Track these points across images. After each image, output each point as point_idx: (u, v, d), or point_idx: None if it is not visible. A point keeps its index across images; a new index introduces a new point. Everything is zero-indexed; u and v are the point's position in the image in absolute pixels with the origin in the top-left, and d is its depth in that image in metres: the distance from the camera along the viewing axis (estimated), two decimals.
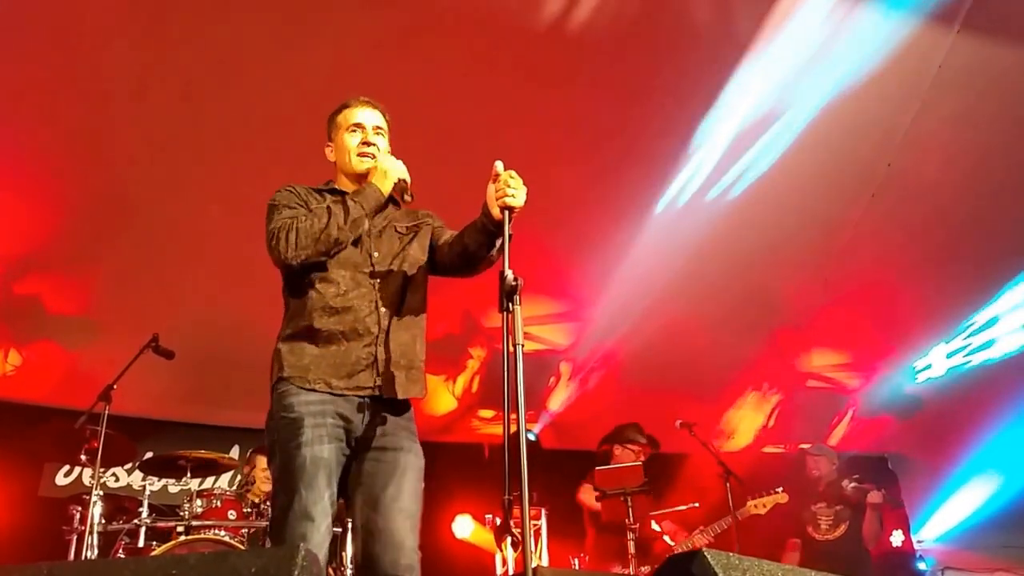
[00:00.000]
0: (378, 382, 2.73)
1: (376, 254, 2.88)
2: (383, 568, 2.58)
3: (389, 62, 5.17)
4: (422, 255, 2.99)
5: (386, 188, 2.87)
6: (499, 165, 2.69)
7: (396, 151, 3.06)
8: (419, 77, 5.24)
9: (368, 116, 3.05)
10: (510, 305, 2.44)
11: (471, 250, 2.84)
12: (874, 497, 5.96)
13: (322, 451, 2.61)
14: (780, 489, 5.74)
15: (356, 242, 2.86)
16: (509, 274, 2.47)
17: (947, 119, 5.72)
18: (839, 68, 5.45)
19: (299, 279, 2.82)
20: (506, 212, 2.62)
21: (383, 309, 2.81)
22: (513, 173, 2.67)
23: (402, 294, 2.87)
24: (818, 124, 5.76)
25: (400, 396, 2.75)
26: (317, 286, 2.79)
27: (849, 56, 5.37)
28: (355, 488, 2.70)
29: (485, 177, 2.74)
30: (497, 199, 2.64)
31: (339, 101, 5.29)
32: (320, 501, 2.55)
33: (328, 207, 2.80)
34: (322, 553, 2.54)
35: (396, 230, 2.98)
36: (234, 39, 5.08)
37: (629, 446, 5.86)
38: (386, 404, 2.76)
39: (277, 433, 2.66)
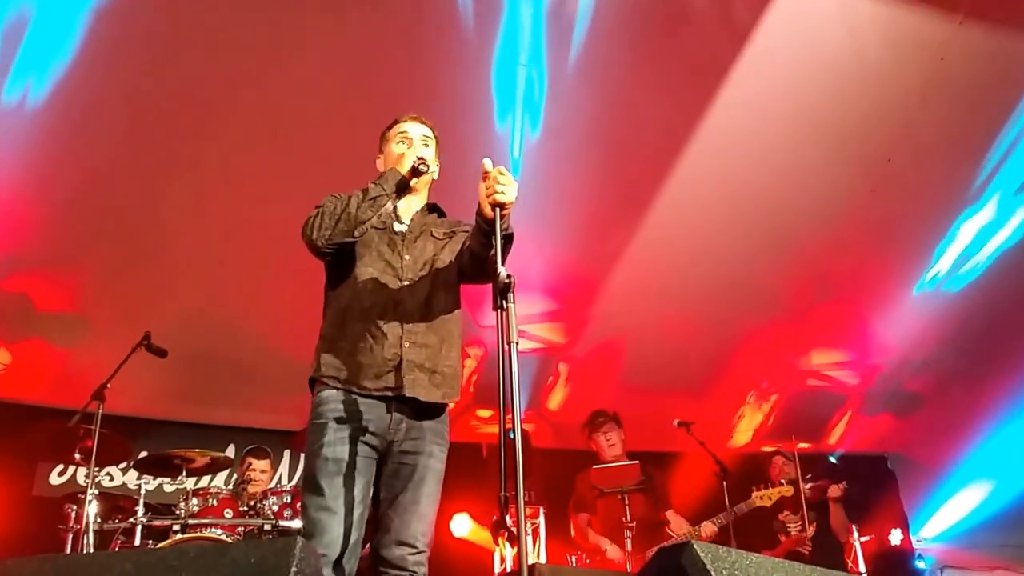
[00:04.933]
0: (403, 384, 2.79)
1: (407, 257, 2.97)
2: (392, 559, 2.72)
3: (385, 57, 5.15)
4: (452, 260, 3.04)
5: (404, 167, 2.96)
6: (487, 163, 2.71)
7: None
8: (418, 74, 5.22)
9: (415, 128, 3.17)
10: (504, 303, 2.45)
11: (475, 251, 2.87)
12: (834, 491, 6.13)
13: (343, 453, 2.71)
14: (784, 482, 5.79)
15: (390, 244, 2.98)
16: (502, 272, 2.48)
17: (948, 113, 5.71)
18: (840, 60, 5.44)
19: (335, 276, 2.97)
20: (497, 209, 2.62)
21: (410, 311, 2.89)
22: (502, 169, 2.68)
23: (429, 298, 2.94)
24: (818, 118, 5.75)
25: (422, 399, 2.82)
26: (349, 285, 2.92)
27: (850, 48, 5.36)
28: (377, 487, 2.81)
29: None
30: (487, 196, 2.65)
31: (333, 96, 5.32)
32: (340, 497, 2.66)
33: (354, 192, 2.91)
34: (339, 547, 2.63)
35: (432, 235, 3.07)
36: (223, 37, 5.06)
37: (599, 433, 5.98)
38: (415, 407, 2.84)
39: (308, 436, 2.81)
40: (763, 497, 5.70)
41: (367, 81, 5.26)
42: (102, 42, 4.96)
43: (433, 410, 2.88)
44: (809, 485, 6.07)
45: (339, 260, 2.93)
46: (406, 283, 2.92)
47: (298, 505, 4.78)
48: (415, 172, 2.97)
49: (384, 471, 2.81)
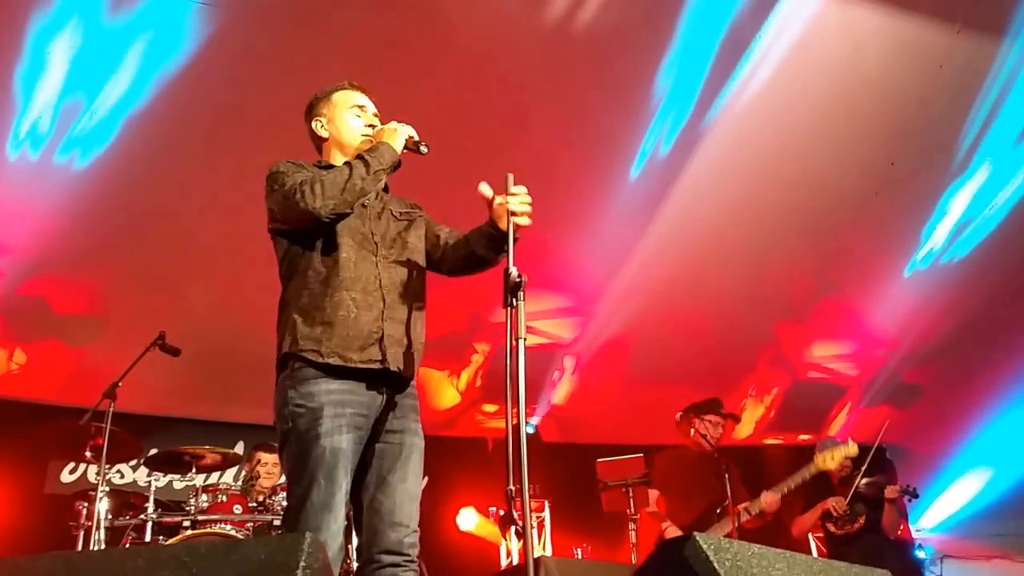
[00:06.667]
0: (386, 356, 2.70)
1: (376, 233, 2.87)
2: (388, 545, 2.62)
3: (395, 65, 5.20)
4: (420, 243, 2.99)
5: (398, 145, 2.84)
6: (510, 178, 2.72)
7: None
8: (423, 79, 5.28)
9: (368, 102, 3.08)
10: (514, 300, 2.49)
11: (478, 255, 2.88)
12: (891, 492, 5.99)
13: (341, 442, 2.57)
14: (850, 440, 5.49)
15: (359, 217, 2.84)
16: (513, 271, 2.52)
17: (947, 119, 5.76)
18: (842, 69, 5.49)
19: (307, 246, 2.78)
20: (512, 224, 2.65)
21: (387, 286, 2.79)
22: (524, 190, 2.71)
23: (403, 275, 2.86)
24: (821, 124, 5.80)
25: (403, 373, 2.74)
26: (330, 256, 2.76)
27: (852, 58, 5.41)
28: (364, 468, 2.69)
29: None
30: (508, 213, 2.67)
31: None
32: (339, 492, 2.54)
33: (346, 163, 2.79)
34: (338, 543, 2.55)
35: (392, 214, 2.97)
36: (239, 46, 5.11)
37: (707, 418, 5.64)
38: (393, 383, 2.76)
39: (293, 421, 2.60)
40: (826, 459, 5.35)
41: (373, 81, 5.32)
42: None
43: (408, 385, 2.81)
44: (866, 480, 5.93)
45: (316, 231, 2.76)
46: (380, 258, 2.83)
47: None
48: (412, 146, 2.88)
49: (369, 452, 2.70)
